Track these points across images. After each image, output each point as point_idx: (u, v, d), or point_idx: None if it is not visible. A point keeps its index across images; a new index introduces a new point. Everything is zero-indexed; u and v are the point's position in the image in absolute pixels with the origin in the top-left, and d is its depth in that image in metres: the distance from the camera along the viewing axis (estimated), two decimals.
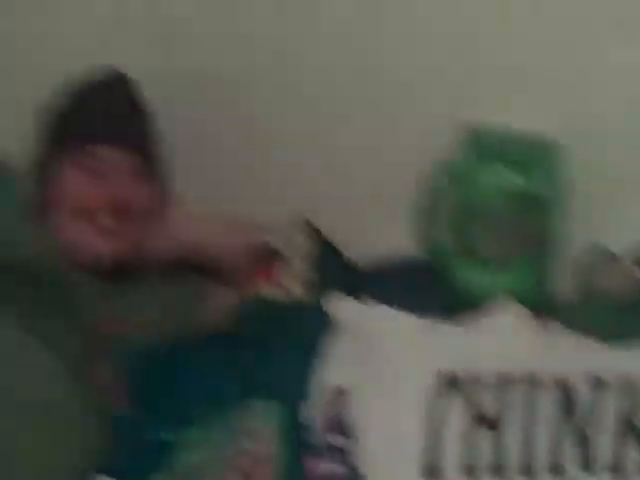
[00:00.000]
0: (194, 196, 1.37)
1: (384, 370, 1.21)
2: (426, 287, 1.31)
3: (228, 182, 1.52)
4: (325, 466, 1.14)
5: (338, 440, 1.16)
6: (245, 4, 1.45)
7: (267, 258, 1.40)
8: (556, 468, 1.12)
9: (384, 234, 1.38)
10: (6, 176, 1.36)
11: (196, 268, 1.44)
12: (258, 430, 1.20)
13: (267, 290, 1.38)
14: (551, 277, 1.32)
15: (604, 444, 1.13)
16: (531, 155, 1.27)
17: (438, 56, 1.37)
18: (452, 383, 1.18)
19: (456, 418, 1.15)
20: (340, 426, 1.17)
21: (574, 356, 1.20)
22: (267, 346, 1.28)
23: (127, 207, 1.35)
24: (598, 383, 1.16)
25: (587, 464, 1.12)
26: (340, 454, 1.15)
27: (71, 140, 1.35)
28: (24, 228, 1.34)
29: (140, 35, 1.49)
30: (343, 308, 1.28)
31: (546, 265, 1.30)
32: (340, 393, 1.19)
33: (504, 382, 1.17)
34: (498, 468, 1.12)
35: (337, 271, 1.41)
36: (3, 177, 1.36)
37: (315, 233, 1.43)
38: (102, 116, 1.38)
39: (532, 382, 1.16)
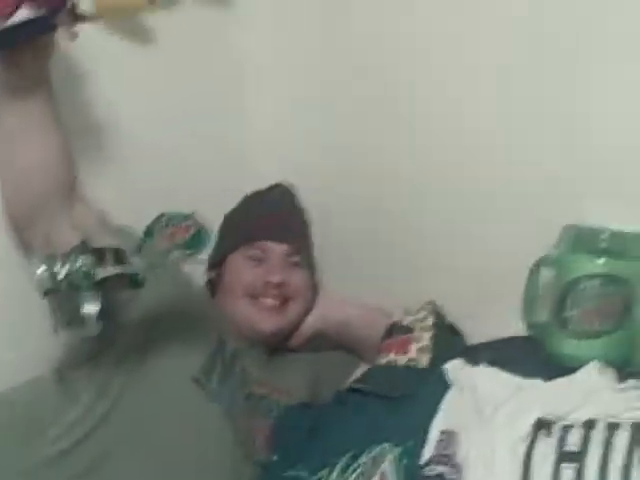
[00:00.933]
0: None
1: (488, 417, 1.43)
2: (527, 356, 1.53)
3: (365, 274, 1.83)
4: None
5: (446, 471, 1.39)
6: None
7: (399, 334, 1.67)
8: None
9: (497, 317, 1.62)
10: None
11: (335, 342, 1.74)
12: (384, 469, 1.45)
13: (398, 359, 1.63)
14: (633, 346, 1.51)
15: None
16: (616, 245, 1.51)
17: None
18: (544, 427, 1.38)
19: (545, 454, 1.35)
20: (449, 460, 1.40)
21: None
22: (395, 402, 1.51)
23: (285, 290, 1.67)
24: None
25: None
26: None
27: (242, 236, 1.71)
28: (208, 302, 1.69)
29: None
30: (458, 371, 1.52)
31: (628, 335, 1.50)
32: (450, 435, 1.43)
33: (588, 426, 1.36)
34: None
35: (455, 344, 1.66)
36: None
37: (439, 315, 1.70)
38: (267, 217, 1.73)
39: (612, 425, 1.35)
